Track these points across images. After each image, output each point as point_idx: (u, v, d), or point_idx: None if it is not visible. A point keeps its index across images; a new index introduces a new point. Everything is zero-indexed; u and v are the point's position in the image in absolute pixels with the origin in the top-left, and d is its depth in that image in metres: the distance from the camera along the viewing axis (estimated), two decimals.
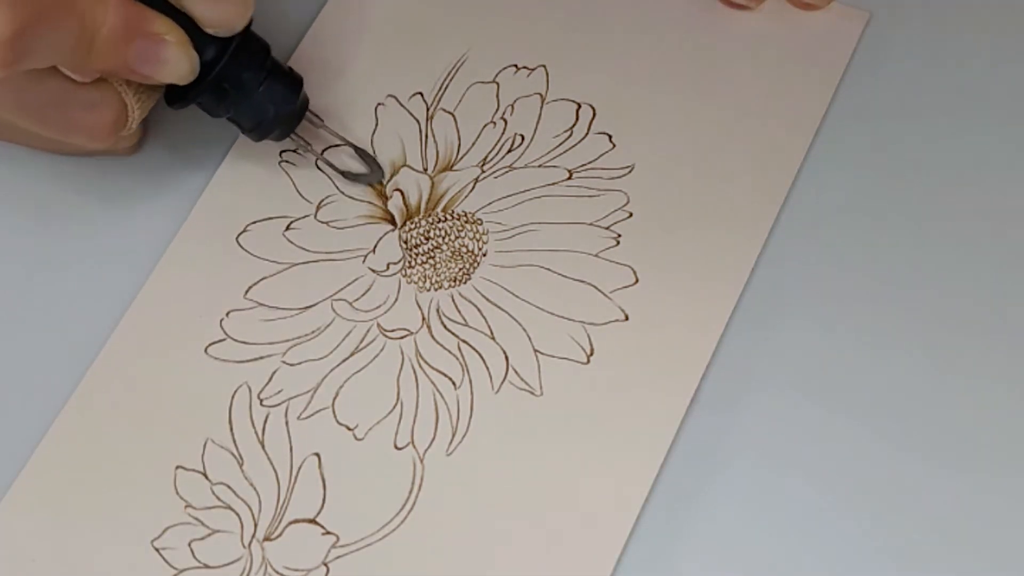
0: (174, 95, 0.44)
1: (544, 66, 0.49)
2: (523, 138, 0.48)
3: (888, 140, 0.47)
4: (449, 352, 0.44)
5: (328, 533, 0.42)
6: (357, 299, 0.46)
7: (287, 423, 0.44)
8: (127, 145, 0.47)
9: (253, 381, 0.44)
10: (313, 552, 0.42)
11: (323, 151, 0.48)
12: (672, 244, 0.46)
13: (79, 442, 0.43)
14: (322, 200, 0.47)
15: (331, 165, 0.47)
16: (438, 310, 0.45)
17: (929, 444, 0.42)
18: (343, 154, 0.48)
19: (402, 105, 0.49)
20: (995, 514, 0.42)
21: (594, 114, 0.48)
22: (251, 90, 0.44)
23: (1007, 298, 0.45)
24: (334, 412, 0.44)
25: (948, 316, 0.44)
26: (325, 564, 0.41)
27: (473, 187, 0.47)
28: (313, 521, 0.42)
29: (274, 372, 0.44)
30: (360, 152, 0.48)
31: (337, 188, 0.48)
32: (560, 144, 0.48)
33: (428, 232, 0.47)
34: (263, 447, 0.43)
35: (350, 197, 0.47)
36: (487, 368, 0.44)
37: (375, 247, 0.46)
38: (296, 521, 0.42)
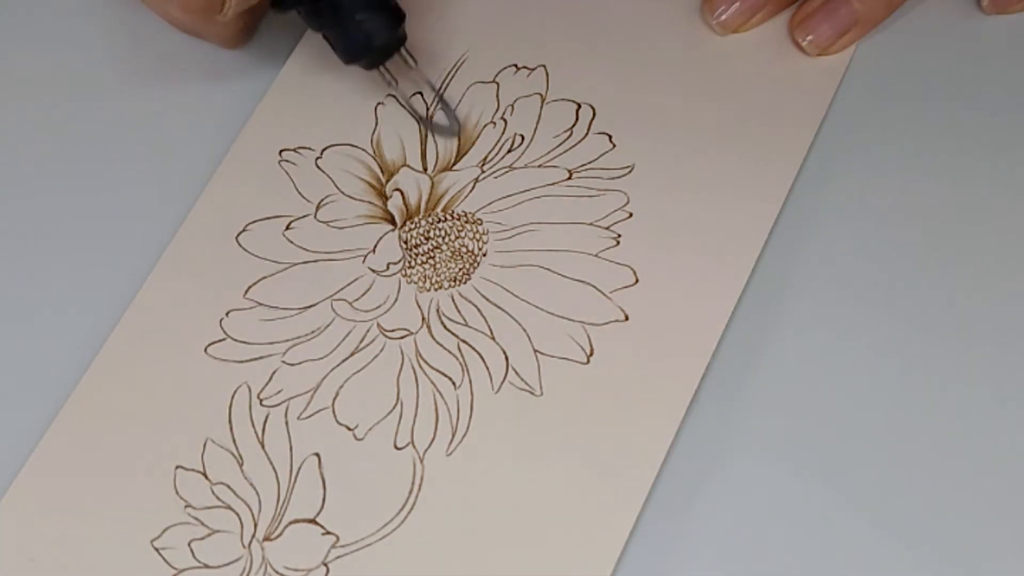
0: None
1: (544, 66, 0.49)
2: (523, 138, 0.48)
3: (891, 138, 0.47)
4: (449, 352, 0.44)
5: (328, 533, 0.42)
6: (357, 299, 0.46)
7: (287, 423, 0.44)
8: (224, 34, 0.48)
9: (253, 381, 0.44)
10: (313, 552, 0.42)
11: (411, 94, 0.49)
12: (672, 244, 0.46)
13: (79, 442, 0.43)
14: (322, 200, 0.47)
15: (413, 109, 0.48)
16: (438, 310, 0.45)
17: (928, 446, 0.43)
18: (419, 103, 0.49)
19: (402, 105, 0.49)
20: (998, 512, 0.42)
21: (594, 114, 0.48)
22: (346, 14, 0.45)
23: (1006, 307, 0.45)
24: (334, 412, 0.44)
25: (951, 322, 0.44)
26: (325, 564, 0.41)
27: (473, 187, 0.47)
28: (313, 521, 0.42)
29: (274, 372, 0.44)
30: (444, 104, 0.48)
31: (338, 188, 0.48)
32: (560, 144, 0.48)
33: (428, 232, 0.47)
34: (263, 447, 0.43)
35: (350, 196, 0.47)
36: (487, 368, 0.44)
37: (375, 247, 0.46)
38: (296, 521, 0.42)
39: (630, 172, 0.47)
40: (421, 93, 0.49)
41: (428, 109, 0.49)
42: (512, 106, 0.49)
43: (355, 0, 0.45)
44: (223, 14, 0.45)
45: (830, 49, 0.48)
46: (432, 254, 0.46)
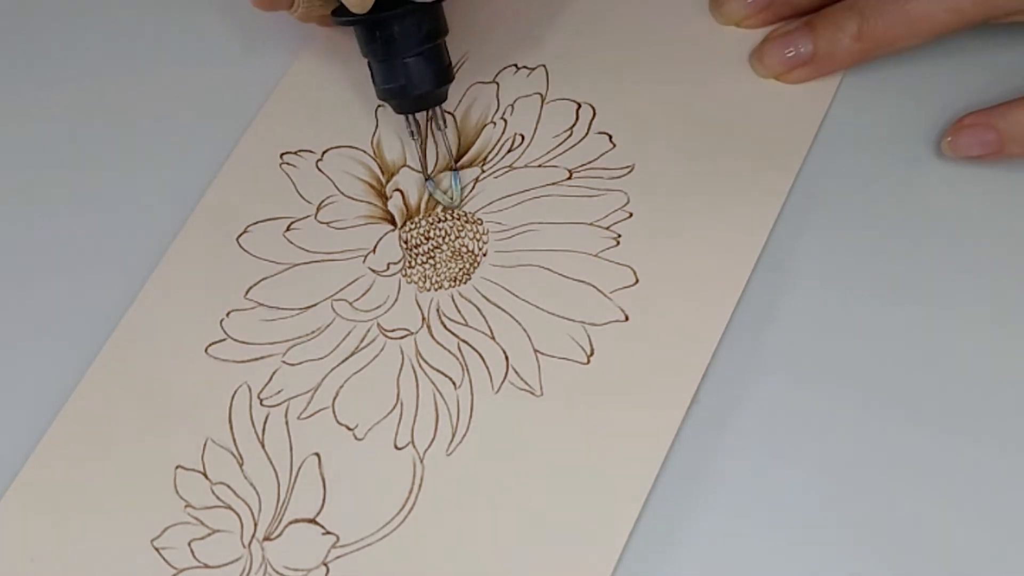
0: (340, 11, 0.45)
1: (544, 66, 0.49)
2: (523, 138, 0.48)
3: (891, 138, 0.47)
4: (449, 352, 0.44)
5: (328, 533, 0.42)
6: (357, 299, 0.46)
7: (287, 423, 0.44)
8: (295, 14, 0.48)
9: (253, 381, 0.44)
10: (313, 552, 0.42)
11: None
12: (672, 244, 0.45)
13: (79, 442, 0.43)
14: (322, 201, 0.47)
15: (425, 164, 0.47)
16: (438, 310, 0.45)
17: (928, 448, 0.42)
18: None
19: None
20: (999, 505, 0.41)
21: (594, 114, 0.48)
22: (394, 54, 0.45)
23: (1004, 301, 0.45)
24: (334, 412, 0.44)
25: (951, 319, 0.44)
26: (325, 564, 0.41)
27: (473, 187, 0.47)
28: (313, 521, 0.42)
29: (274, 372, 0.44)
30: (455, 176, 0.47)
31: (338, 189, 0.48)
32: (560, 144, 0.48)
33: (428, 232, 0.47)
34: (263, 447, 0.43)
35: (350, 197, 0.47)
36: (487, 368, 0.44)
37: (375, 247, 0.46)
38: (296, 521, 0.42)
39: (630, 172, 0.47)
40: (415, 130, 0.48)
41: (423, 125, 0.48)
42: (512, 106, 0.49)
43: (408, 43, 0.44)
44: (293, 8, 0.46)
45: (784, 77, 0.48)
46: (432, 254, 0.46)
